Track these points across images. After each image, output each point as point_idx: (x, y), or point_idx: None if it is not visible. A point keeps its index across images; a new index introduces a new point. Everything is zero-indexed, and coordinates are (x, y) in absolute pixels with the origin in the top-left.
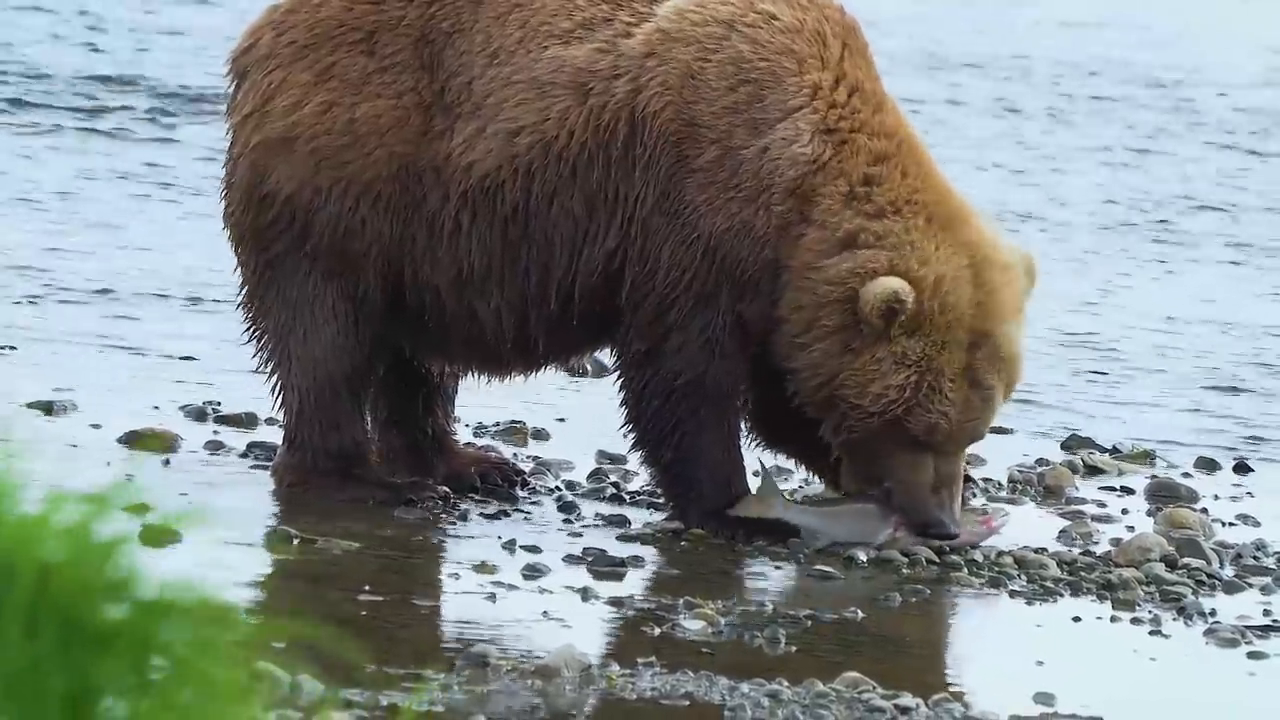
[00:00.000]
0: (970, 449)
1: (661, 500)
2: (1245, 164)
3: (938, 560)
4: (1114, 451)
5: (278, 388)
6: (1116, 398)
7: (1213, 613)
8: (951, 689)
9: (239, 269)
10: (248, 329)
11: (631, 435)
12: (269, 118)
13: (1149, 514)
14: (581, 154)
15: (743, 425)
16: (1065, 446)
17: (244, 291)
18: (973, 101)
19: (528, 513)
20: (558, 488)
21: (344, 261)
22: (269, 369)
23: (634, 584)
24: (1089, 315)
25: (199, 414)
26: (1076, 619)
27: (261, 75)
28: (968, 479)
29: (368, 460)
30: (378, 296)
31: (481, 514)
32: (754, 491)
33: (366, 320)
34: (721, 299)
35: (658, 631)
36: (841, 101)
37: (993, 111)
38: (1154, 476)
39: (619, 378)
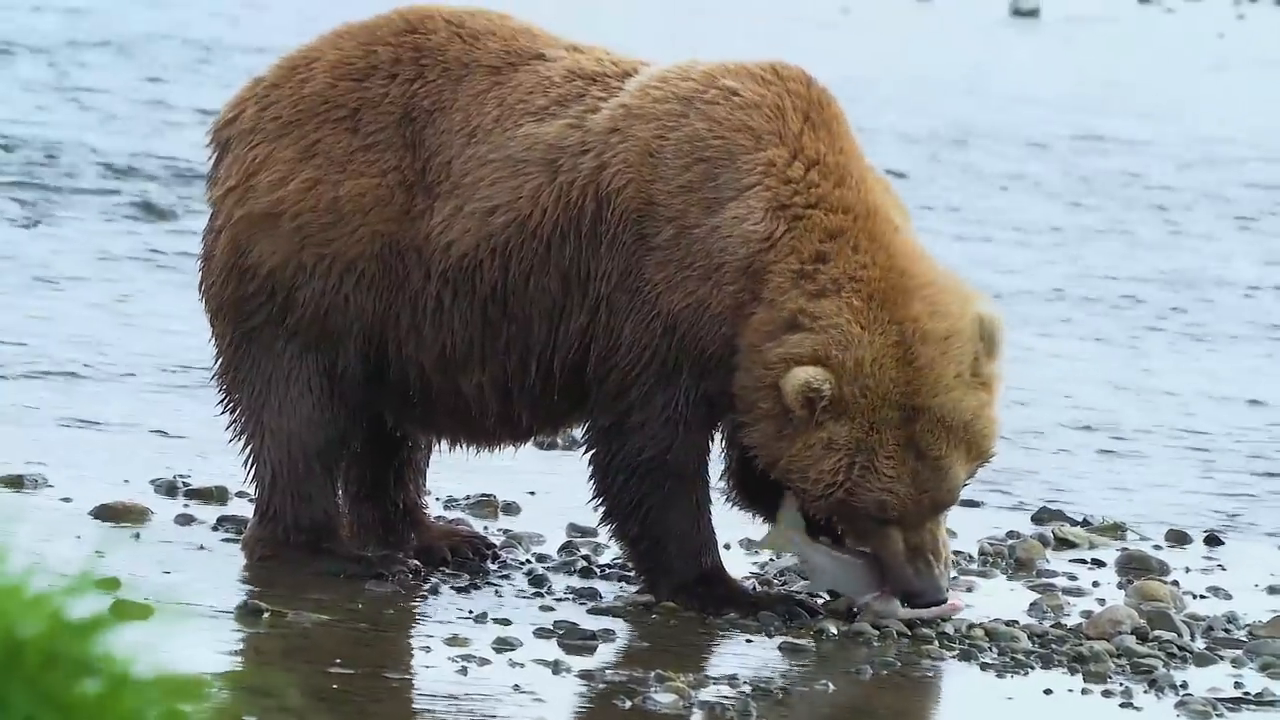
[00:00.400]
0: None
1: (633, 573)
2: (1263, 244)
3: (909, 633)
4: (1085, 524)
5: (250, 460)
6: (1100, 473)
7: (1184, 685)
8: None
9: (214, 341)
10: (222, 401)
11: (600, 509)
12: (253, 193)
13: (1120, 586)
14: (555, 231)
15: (712, 495)
16: (1036, 519)
17: (219, 363)
18: (990, 177)
19: (499, 586)
20: (529, 560)
21: (324, 337)
22: (242, 441)
23: (605, 657)
24: (1099, 392)
25: (170, 488)
26: (1048, 691)
27: (245, 149)
28: None
29: (339, 533)
30: (358, 371)
31: (453, 587)
32: (778, 520)
33: (343, 394)
34: (683, 376)
35: (629, 704)
36: (797, 177)
37: (1010, 187)
38: (1125, 549)
39: (587, 451)
